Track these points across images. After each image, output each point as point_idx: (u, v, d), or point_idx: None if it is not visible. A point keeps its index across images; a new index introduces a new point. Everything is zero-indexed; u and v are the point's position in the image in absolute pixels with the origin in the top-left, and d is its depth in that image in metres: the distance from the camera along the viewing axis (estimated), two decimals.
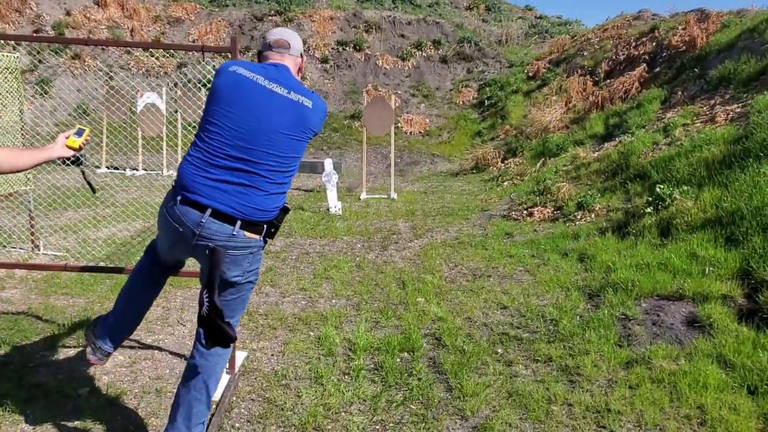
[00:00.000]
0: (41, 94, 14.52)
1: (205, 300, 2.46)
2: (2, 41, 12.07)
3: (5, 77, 5.89)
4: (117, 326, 2.88)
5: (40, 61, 15.35)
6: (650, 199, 6.60)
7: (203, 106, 2.58)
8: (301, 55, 2.82)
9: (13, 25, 16.58)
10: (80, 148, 2.59)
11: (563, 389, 3.64)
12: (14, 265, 5.14)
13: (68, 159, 2.61)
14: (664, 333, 4.25)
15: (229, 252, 2.48)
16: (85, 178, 2.93)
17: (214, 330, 2.49)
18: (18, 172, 2.32)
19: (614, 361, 3.94)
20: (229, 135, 2.45)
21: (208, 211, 2.42)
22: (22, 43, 14.19)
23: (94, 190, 3.03)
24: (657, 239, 5.86)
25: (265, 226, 2.56)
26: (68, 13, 17.48)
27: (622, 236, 6.30)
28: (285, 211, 2.66)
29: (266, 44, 2.76)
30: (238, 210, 2.46)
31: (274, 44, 2.74)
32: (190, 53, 14.86)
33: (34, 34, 15.65)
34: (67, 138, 2.57)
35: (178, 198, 2.45)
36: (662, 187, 6.50)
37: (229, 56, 3.57)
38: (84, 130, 2.62)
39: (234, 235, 2.46)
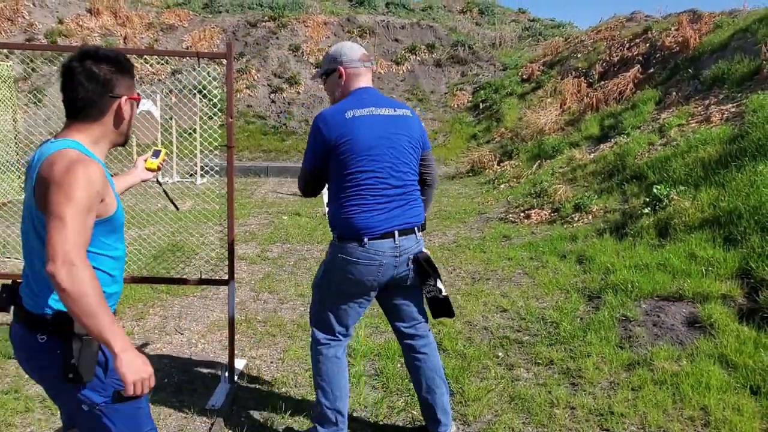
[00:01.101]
0: (35, 102, 14.47)
1: (432, 287, 2.84)
2: None
3: None
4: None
5: (33, 70, 15.30)
6: (647, 199, 6.60)
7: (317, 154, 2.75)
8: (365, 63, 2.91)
9: (5, 33, 16.53)
10: (158, 169, 2.64)
11: (565, 392, 3.62)
12: (9, 276, 5.09)
13: (151, 180, 2.68)
14: (665, 334, 4.23)
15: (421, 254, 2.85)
16: (168, 197, 3.01)
17: (447, 306, 2.89)
18: None
19: (616, 363, 3.92)
20: (382, 175, 2.69)
21: (396, 233, 2.73)
22: (15, 51, 14.13)
23: (176, 207, 3.07)
24: (655, 240, 5.86)
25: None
26: (61, 22, 17.44)
27: (620, 237, 6.29)
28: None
29: (352, 60, 2.82)
30: (412, 222, 2.80)
31: (364, 58, 2.84)
32: (184, 60, 14.83)
33: (27, 43, 15.60)
34: (145, 161, 2.60)
35: (365, 240, 2.67)
36: (659, 187, 6.50)
37: (224, 62, 3.54)
38: (160, 151, 2.67)
39: (418, 240, 2.84)
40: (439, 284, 2.85)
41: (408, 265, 2.80)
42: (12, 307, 1.90)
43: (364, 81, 2.84)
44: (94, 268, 1.73)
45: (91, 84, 1.84)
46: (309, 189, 2.89)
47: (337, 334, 2.88)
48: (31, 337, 1.84)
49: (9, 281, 1.99)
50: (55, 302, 1.83)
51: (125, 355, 1.70)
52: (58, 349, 1.81)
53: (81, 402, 1.87)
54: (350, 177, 2.68)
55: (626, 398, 3.52)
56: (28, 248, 1.87)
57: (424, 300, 2.94)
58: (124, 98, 1.92)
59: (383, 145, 2.69)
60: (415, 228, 2.82)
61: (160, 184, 2.96)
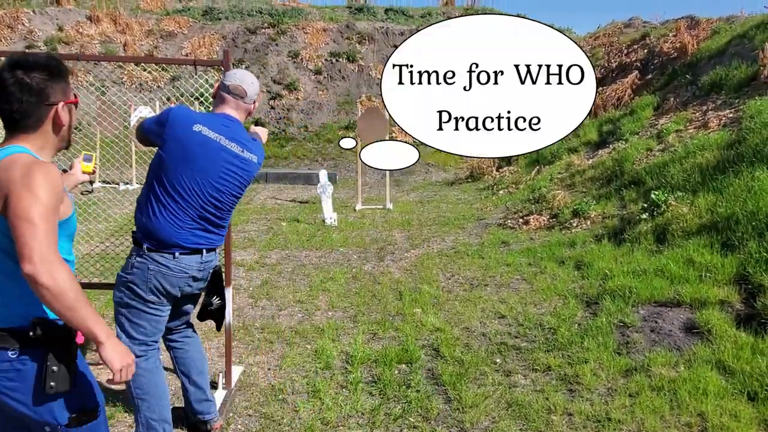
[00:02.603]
0: None
1: (217, 302, 3.07)
2: None
3: None
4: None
5: None
6: (645, 205, 6.60)
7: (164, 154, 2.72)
8: (254, 102, 2.96)
9: (5, 41, 16.57)
10: (93, 172, 2.73)
11: (563, 398, 3.62)
12: None
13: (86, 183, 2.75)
14: (663, 340, 4.23)
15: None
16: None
17: (221, 315, 3.18)
18: None
19: (613, 369, 3.92)
20: (203, 199, 2.74)
21: (204, 251, 2.84)
22: None
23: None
24: (653, 245, 5.86)
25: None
26: (61, 29, 17.48)
27: (618, 243, 6.30)
28: None
29: (225, 86, 2.87)
30: (217, 242, 2.95)
31: (233, 90, 2.87)
32: (183, 66, 14.87)
33: (26, 50, 15.64)
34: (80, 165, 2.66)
35: (176, 253, 2.74)
36: (657, 193, 6.51)
37: (222, 70, 3.56)
38: (91, 155, 2.74)
39: (216, 255, 2.99)
40: (216, 300, 3.08)
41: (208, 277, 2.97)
42: None
43: (228, 110, 2.87)
44: None
45: (24, 95, 1.78)
46: (140, 139, 2.92)
47: (150, 344, 2.86)
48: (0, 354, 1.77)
49: None
50: (24, 312, 1.78)
51: (110, 343, 1.75)
52: (34, 360, 1.78)
53: (44, 424, 1.82)
54: (170, 187, 2.70)
55: (624, 404, 3.51)
56: None
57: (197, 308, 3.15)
58: (60, 104, 1.86)
59: (213, 175, 2.74)
60: (216, 248, 2.99)
61: (90, 191, 2.99)
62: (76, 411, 1.85)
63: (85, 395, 1.90)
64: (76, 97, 1.95)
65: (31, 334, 1.76)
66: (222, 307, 3.13)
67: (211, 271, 2.95)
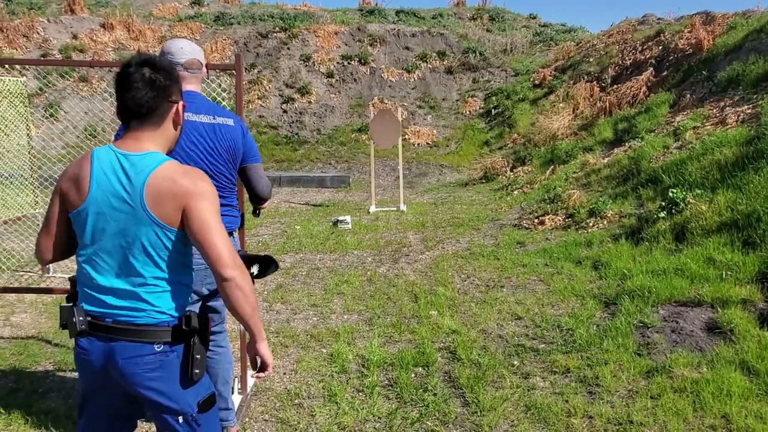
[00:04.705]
0: (47, 117, 14.63)
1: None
2: (7, 66, 12.16)
3: (12, 102, 5.91)
4: None
5: (48, 84, 15.48)
6: (663, 203, 6.51)
7: None
8: (204, 65, 2.88)
9: (21, 49, 16.75)
10: None
11: (583, 401, 3.56)
12: (24, 289, 5.12)
13: None
14: (684, 340, 4.15)
15: None
16: None
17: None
18: None
19: (634, 370, 3.85)
20: None
21: None
22: (30, 67, 14.33)
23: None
24: (672, 244, 5.77)
25: None
26: (75, 37, 17.64)
27: (636, 242, 6.21)
28: None
29: (178, 64, 2.70)
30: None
31: (189, 65, 2.75)
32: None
33: (41, 58, 15.81)
34: None
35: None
36: (675, 191, 6.41)
37: (234, 73, 3.54)
38: None
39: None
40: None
41: None
42: (83, 326, 1.89)
43: (188, 86, 2.74)
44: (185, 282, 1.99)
45: (151, 90, 1.90)
46: None
47: None
48: (144, 348, 1.87)
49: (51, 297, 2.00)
50: (176, 309, 1.93)
51: (266, 342, 2.03)
52: (176, 352, 1.91)
53: (177, 413, 1.94)
54: None
55: (645, 407, 3.44)
56: (121, 264, 1.88)
57: None
58: (180, 103, 2.00)
59: (197, 150, 2.69)
60: (234, 231, 2.94)
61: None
62: (202, 397, 2.00)
63: (206, 382, 2.05)
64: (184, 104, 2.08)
65: (184, 326, 1.91)
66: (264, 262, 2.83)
67: None
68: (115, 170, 1.86)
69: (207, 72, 2.93)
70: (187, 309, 1.99)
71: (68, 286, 4.02)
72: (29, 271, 6.45)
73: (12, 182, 6.35)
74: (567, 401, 3.56)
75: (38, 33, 17.42)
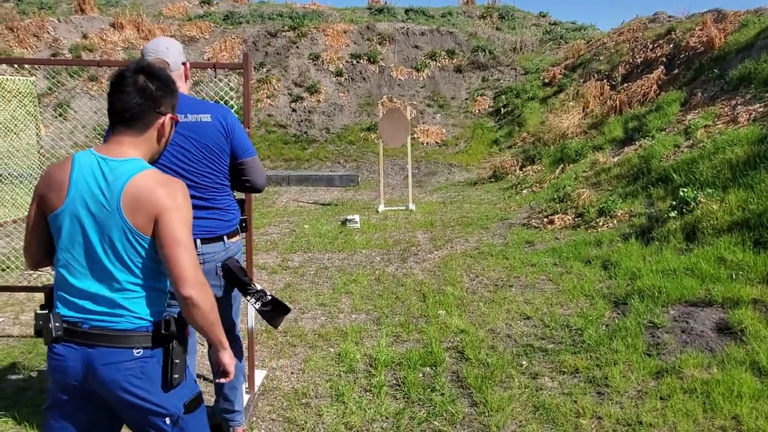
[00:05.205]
0: (57, 116, 14.71)
1: (255, 293, 2.88)
2: (17, 66, 12.22)
3: (21, 101, 5.95)
4: None
5: (58, 84, 15.57)
6: (674, 202, 6.46)
7: None
8: (184, 63, 2.74)
9: (31, 49, 16.85)
10: None
11: (591, 402, 3.53)
12: (34, 288, 5.16)
13: None
14: (694, 341, 4.12)
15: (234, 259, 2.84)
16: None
17: (279, 305, 2.95)
18: None
19: (643, 371, 3.82)
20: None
21: (198, 241, 2.66)
22: (40, 67, 14.40)
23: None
24: (682, 244, 5.73)
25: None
26: (85, 36, 17.73)
27: (646, 242, 6.16)
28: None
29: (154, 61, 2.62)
30: (216, 230, 2.77)
31: (170, 63, 2.62)
32: (205, 71, 14.98)
33: (51, 58, 15.90)
34: None
35: None
36: (686, 190, 6.36)
37: (242, 72, 3.54)
38: None
39: (226, 246, 2.80)
40: (258, 286, 2.88)
41: (217, 274, 2.75)
42: (59, 332, 1.86)
43: None
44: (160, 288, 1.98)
45: (141, 97, 1.90)
46: None
47: None
48: (123, 354, 1.86)
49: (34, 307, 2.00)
50: (152, 315, 1.92)
51: (227, 351, 2.04)
52: (155, 357, 1.91)
53: (165, 415, 1.93)
54: None
55: (655, 407, 3.42)
56: (98, 268, 1.86)
57: (253, 310, 2.98)
58: (168, 116, 1.98)
59: (168, 154, 2.57)
60: (224, 236, 2.77)
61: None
62: (188, 398, 2.00)
63: (190, 383, 2.05)
64: (177, 117, 2.07)
65: (163, 331, 1.90)
66: (270, 302, 2.90)
67: (218, 265, 2.75)
68: (94, 174, 1.85)
69: (186, 68, 2.78)
70: (166, 313, 1.98)
71: None
72: (39, 271, 6.48)
73: (22, 182, 6.39)
74: (576, 402, 3.54)
75: (48, 32, 17.52)
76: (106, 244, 1.85)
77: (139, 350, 1.87)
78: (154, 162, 2.02)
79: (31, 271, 6.41)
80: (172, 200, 1.84)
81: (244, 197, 3.17)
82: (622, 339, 4.23)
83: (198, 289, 1.83)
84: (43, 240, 1.96)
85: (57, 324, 1.86)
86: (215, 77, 3.94)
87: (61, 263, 1.89)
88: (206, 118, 2.67)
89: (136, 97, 1.89)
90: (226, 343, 2.02)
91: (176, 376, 1.92)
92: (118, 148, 1.90)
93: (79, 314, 1.87)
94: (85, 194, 1.84)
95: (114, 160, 1.87)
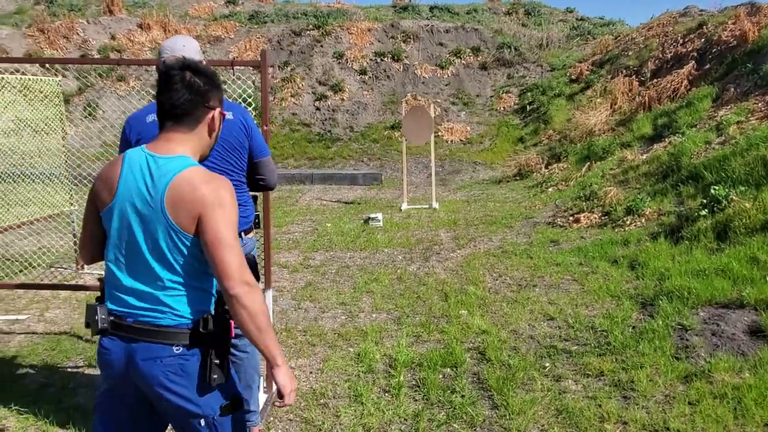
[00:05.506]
0: (86, 116, 14.93)
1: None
2: (48, 66, 12.42)
3: (48, 102, 6.01)
4: None
5: (87, 84, 15.80)
6: (705, 201, 6.28)
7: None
8: (200, 61, 2.69)
9: (61, 50, 17.16)
10: None
11: (617, 406, 3.43)
12: (58, 286, 5.20)
13: None
14: (725, 344, 3.98)
15: None
16: None
17: None
18: None
19: (671, 374, 3.70)
20: None
21: None
22: (70, 67, 14.64)
23: None
24: (713, 243, 5.56)
25: None
26: (113, 37, 17.99)
27: (675, 241, 6.00)
28: None
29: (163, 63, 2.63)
30: None
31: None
32: (228, 71, 15.08)
33: (80, 57, 16.15)
34: None
35: None
36: (717, 188, 6.18)
37: (260, 69, 3.51)
38: None
39: (243, 243, 2.72)
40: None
41: None
42: (105, 324, 1.89)
43: None
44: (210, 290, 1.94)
45: (189, 93, 1.90)
46: None
47: None
48: (164, 350, 1.85)
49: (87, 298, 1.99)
50: (193, 313, 1.89)
51: (285, 368, 1.89)
52: (195, 356, 1.88)
53: (199, 416, 1.91)
54: None
55: (683, 413, 3.30)
56: (142, 265, 1.87)
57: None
58: (217, 110, 1.98)
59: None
60: (241, 232, 2.77)
61: None
62: (226, 402, 1.95)
63: (232, 387, 2.00)
64: (224, 113, 2.06)
65: (201, 329, 1.86)
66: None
67: None
68: (142, 171, 1.86)
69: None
70: (206, 312, 1.95)
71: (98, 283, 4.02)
72: (64, 268, 6.56)
73: (51, 180, 6.47)
74: (600, 406, 3.43)
75: (78, 34, 17.82)
76: (150, 242, 1.85)
77: (178, 347, 1.86)
78: (204, 158, 2.02)
79: (56, 269, 6.48)
80: (215, 198, 1.81)
81: (257, 194, 3.15)
82: (650, 341, 4.11)
83: (245, 288, 1.78)
84: (96, 236, 1.99)
85: (104, 317, 1.88)
86: (233, 75, 3.91)
87: (110, 259, 1.92)
88: (229, 116, 2.68)
89: (186, 93, 1.89)
90: (280, 359, 1.87)
91: (215, 376, 1.88)
92: (166, 145, 1.90)
93: (125, 309, 1.89)
94: (132, 191, 1.85)
95: (162, 157, 1.87)
